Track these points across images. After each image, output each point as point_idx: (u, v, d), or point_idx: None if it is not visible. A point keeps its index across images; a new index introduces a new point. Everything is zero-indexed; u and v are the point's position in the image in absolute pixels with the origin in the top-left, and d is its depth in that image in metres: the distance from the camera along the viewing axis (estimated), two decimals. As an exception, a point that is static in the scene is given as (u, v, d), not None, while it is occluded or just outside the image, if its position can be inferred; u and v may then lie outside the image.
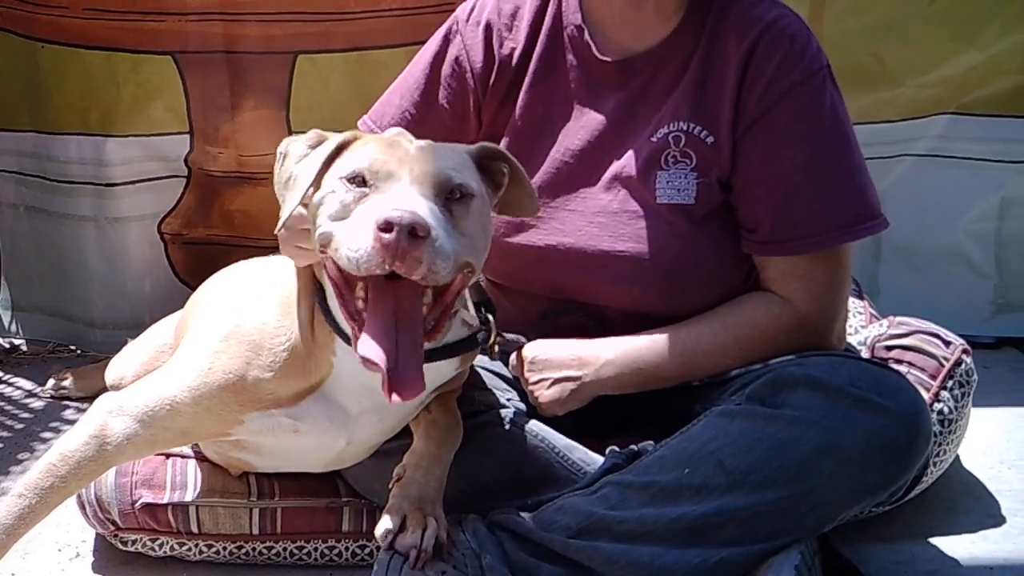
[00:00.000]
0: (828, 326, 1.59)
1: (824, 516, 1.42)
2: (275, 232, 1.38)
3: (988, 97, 2.48)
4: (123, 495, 1.64)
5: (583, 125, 1.67)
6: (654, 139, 1.61)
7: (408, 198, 1.24)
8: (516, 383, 1.70)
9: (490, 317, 1.53)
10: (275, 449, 1.55)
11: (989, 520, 1.75)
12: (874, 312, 2.06)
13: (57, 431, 2.18)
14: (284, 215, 1.34)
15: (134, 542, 1.67)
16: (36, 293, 2.72)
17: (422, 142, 1.38)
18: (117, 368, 2.08)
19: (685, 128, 1.59)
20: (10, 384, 2.47)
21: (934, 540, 1.69)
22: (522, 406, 1.66)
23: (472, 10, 1.75)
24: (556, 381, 1.61)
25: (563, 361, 1.61)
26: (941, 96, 2.49)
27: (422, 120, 1.73)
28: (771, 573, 1.38)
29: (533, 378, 1.63)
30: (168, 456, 1.70)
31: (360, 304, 1.28)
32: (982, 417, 1.98)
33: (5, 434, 2.19)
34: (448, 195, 1.29)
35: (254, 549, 1.66)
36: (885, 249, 2.57)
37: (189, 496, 1.66)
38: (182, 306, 1.89)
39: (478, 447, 1.57)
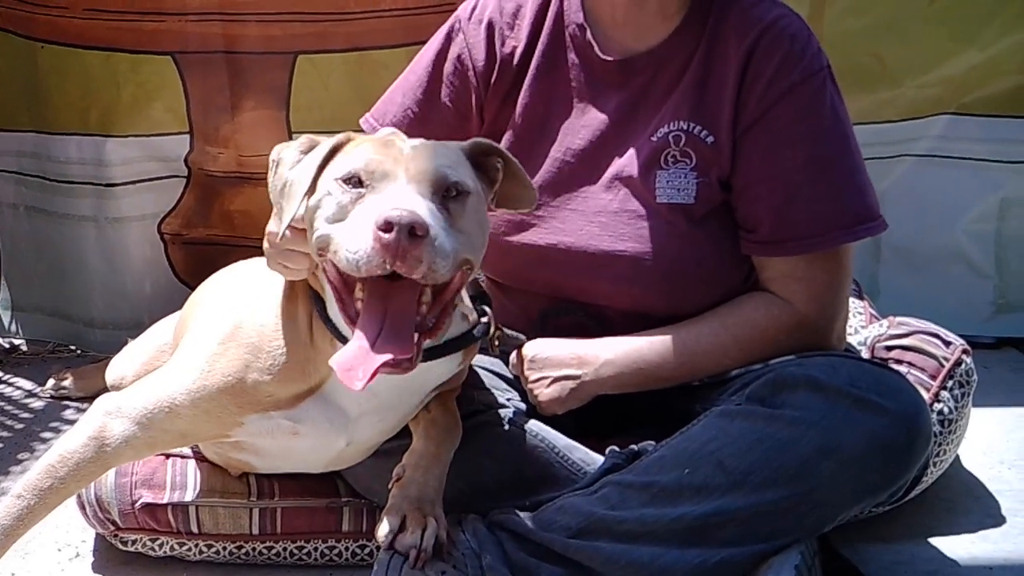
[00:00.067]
0: (828, 327, 1.59)
1: (824, 516, 1.42)
2: (277, 240, 1.36)
3: (988, 97, 2.48)
4: (123, 495, 1.64)
5: (584, 124, 1.67)
6: (654, 139, 1.61)
7: (406, 197, 1.24)
8: (516, 383, 1.70)
9: (486, 309, 1.53)
10: (275, 450, 1.55)
11: (989, 520, 1.75)
12: (874, 312, 2.06)
13: (57, 431, 2.18)
14: (284, 222, 1.33)
15: (134, 542, 1.67)
16: (36, 293, 2.72)
17: (416, 141, 1.37)
18: (117, 368, 2.08)
19: (685, 128, 1.59)
20: (10, 384, 2.47)
21: (934, 540, 1.69)
22: (522, 406, 1.66)
23: (474, 8, 1.75)
24: (556, 380, 1.61)
25: (563, 360, 1.61)
26: (941, 96, 2.49)
27: (424, 118, 1.73)
28: (771, 573, 1.38)
29: (533, 377, 1.63)
30: (168, 456, 1.70)
31: (360, 306, 1.28)
32: (982, 417, 1.98)
33: (5, 434, 2.19)
34: (444, 193, 1.29)
35: (254, 549, 1.66)
36: (885, 249, 2.57)
37: (189, 496, 1.66)
38: (182, 306, 1.88)
39: (477, 447, 1.57)
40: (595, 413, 1.64)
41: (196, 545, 1.66)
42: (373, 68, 2.43)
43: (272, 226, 1.41)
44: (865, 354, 1.81)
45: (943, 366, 1.73)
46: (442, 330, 1.33)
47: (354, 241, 1.22)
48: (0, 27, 2.50)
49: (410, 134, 1.69)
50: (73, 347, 2.69)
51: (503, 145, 1.70)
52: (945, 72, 2.47)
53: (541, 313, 1.71)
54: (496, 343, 1.56)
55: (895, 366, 1.70)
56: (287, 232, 1.34)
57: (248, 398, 1.44)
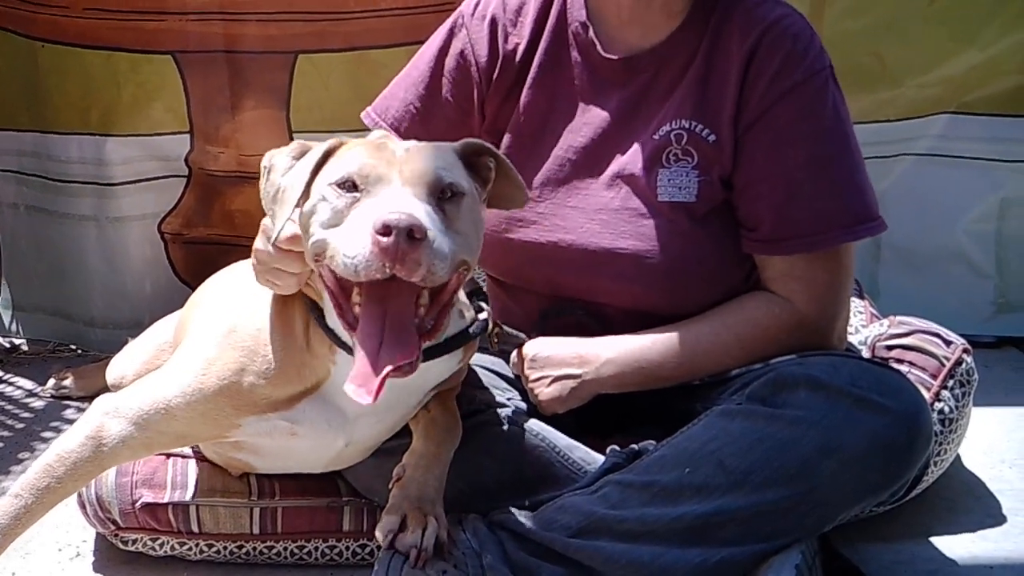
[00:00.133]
0: (829, 326, 1.58)
1: (825, 516, 1.42)
2: (270, 246, 1.35)
3: (988, 97, 2.48)
4: (123, 494, 1.64)
5: (586, 122, 1.67)
6: (656, 136, 1.61)
7: (402, 200, 1.24)
8: (516, 382, 1.70)
9: (484, 305, 1.52)
10: (274, 450, 1.55)
11: (989, 520, 1.75)
12: (875, 311, 2.06)
13: (57, 431, 2.18)
14: (277, 229, 1.31)
15: (134, 542, 1.67)
16: (36, 293, 2.72)
17: (409, 143, 1.37)
18: (118, 367, 2.08)
19: (687, 126, 1.59)
20: (10, 384, 2.47)
21: (934, 540, 1.69)
22: (522, 405, 1.66)
23: (477, 4, 1.75)
24: (556, 379, 1.61)
25: (564, 359, 1.61)
26: (941, 96, 2.49)
27: (426, 113, 1.73)
28: (771, 573, 1.38)
29: (533, 376, 1.63)
30: (169, 456, 1.70)
31: (358, 311, 1.27)
32: (983, 417, 1.97)
33: (5, 434, 2.19)
34: (439, 195, 1.29)
35: (255, 549, 1.66)
36: (885, 249, 2.57)
37: (190, 495, 1.66)
38: (182, 306, 1.88)
39: (478, 446, 1.57)
40: (596, 412, 1.64)
41: (197, 545, 1.66)
42: (373, 68, 2.43)
43: (259, 243, 1.40)
44: (866, 353, 1.81)
45: (944, 365, 1.73)
46: (441, 331, 1.32)
47: (352, 246, 1.21)
48: (0, 26, 2.50)
49: (411, 129, 1.70)
50: (73, 347, 2.69)
51: (505, 142, 1.71)
52: (945, 72, 2.47)
53: (542, 312, 1.71)
54: (495, 339, 1.56)
55: (896, 365, 1.70)
56: (272, 250, 1.33)
57: (244, 400, 1.43)
